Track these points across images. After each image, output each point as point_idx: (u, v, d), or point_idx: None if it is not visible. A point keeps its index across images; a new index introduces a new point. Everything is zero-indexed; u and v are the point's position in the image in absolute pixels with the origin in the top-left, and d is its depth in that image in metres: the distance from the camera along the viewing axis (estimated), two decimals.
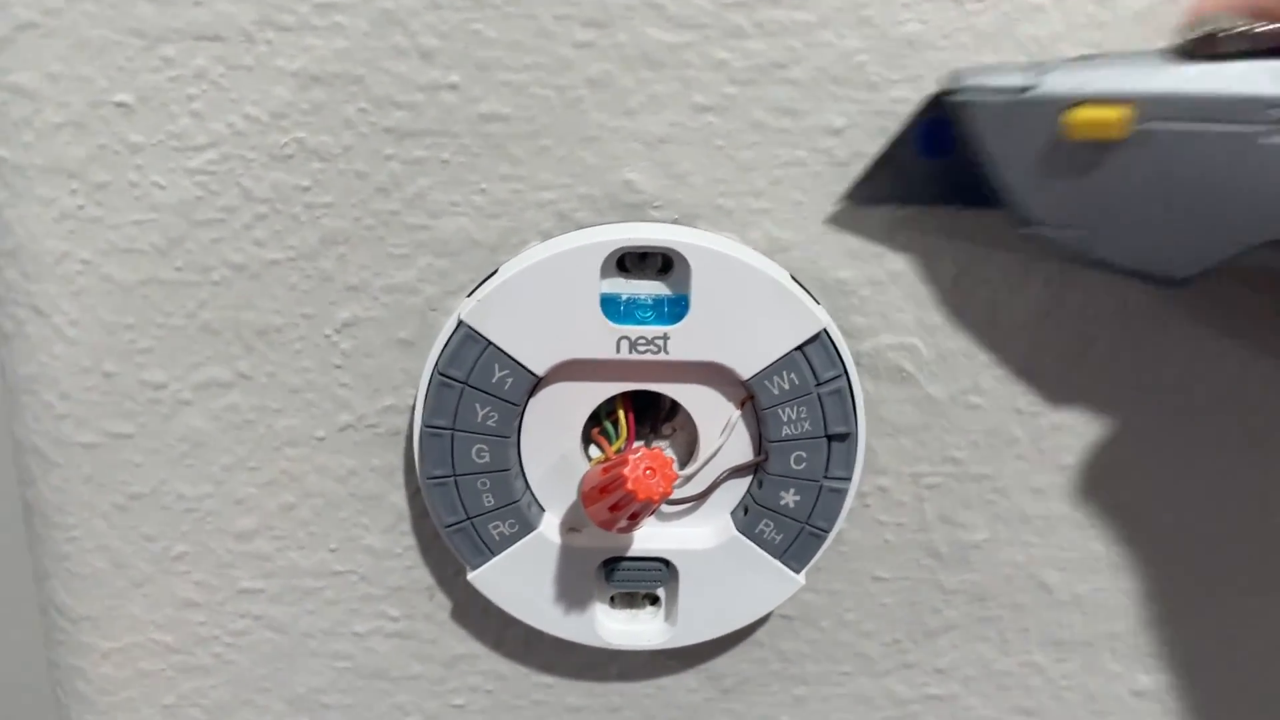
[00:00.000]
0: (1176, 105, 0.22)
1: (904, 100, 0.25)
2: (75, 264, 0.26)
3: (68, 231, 0.26)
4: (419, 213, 0.26)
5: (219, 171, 0.25)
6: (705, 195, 0.26)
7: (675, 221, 0.26)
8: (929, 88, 0.25)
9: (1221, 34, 0.22)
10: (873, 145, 0.25)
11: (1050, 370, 0.27)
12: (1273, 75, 0.21)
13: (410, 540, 0.29)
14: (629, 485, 0.23)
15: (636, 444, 0.27)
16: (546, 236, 0.26)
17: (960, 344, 0.27)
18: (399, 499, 0.28)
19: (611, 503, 0.24)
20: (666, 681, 0.30)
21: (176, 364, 0.27)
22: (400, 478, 0.28)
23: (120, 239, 0.26)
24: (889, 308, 0.27)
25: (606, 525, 0.25)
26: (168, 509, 0.28)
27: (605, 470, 0.24)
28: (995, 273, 0.26)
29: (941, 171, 0.24)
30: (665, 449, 0.28)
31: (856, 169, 0.26)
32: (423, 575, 0.29)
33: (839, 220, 0.26)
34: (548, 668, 0.30)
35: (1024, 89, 0.22)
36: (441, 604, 0.29)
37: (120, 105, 0.25)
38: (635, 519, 0.24)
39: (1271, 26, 0.22)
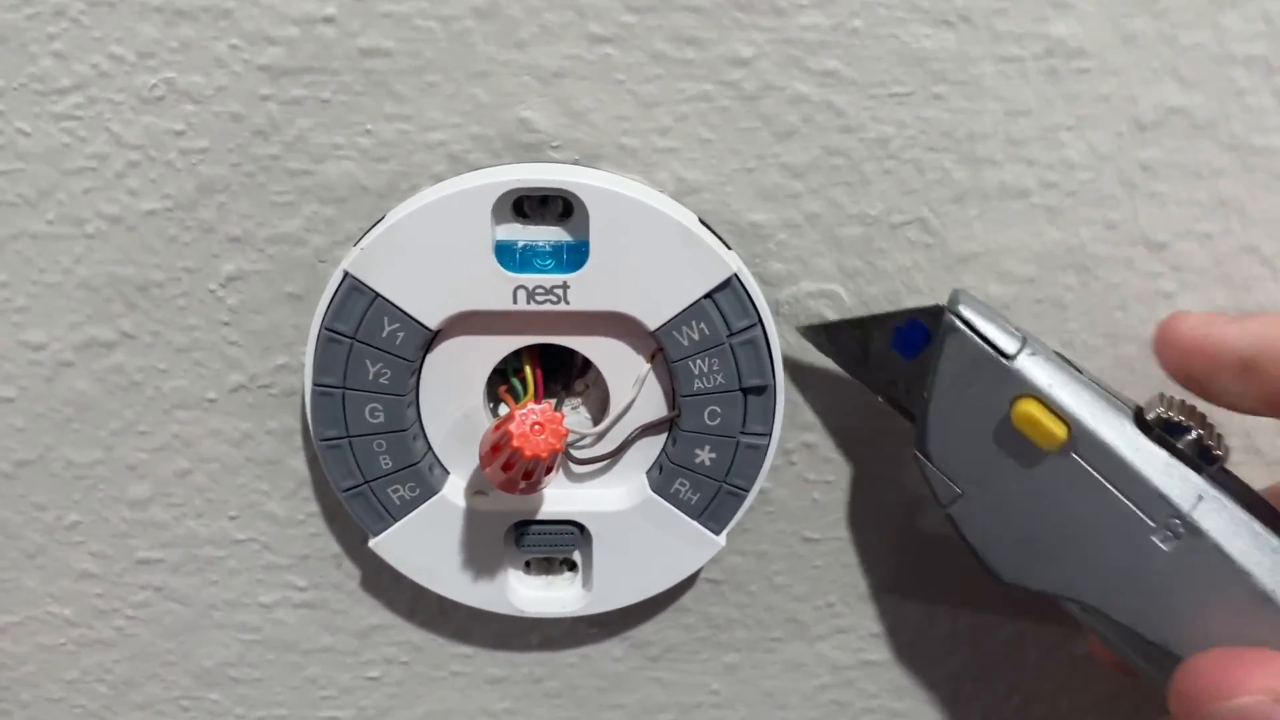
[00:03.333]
0: (1105, 456, 0.22)
1: (813, 27, 0.23)
2: None
3: None
4: (301, 157, 0.24)
5: (86, 116, 0.24)
6: (607, 134, 0.24)
7: (576, 162, 0.24)
8: (839, 14, 0.23)
9: (1160, 416, 0.22)
10: (782, 77, 0.24)
11: None
12: (1185, 485, 0.22)
13: (313, 506, 0.27)
14: (515, 442, 0.22)
15: (546, 402, 0.25)
16: (438, 180, 0.24)
17: (884, 289, 0.25)
18: (298, 463, 0.27)
19: (503, 461, 0.22)
20: (590, 650, 0.29)
21: (55, 323, 0.25)
22: (299, 440, 0.27)
23: None
24: (808, 252, 0.25)
25: (505, 487, 0.23)
26: (56, 476, 0.27)
27: (496, 428, 0.23)
28: None
29: (895, 367, 0.24)
30: (579, 407, 0.27)
31: (767, 104, 0.24)
32: (328, 543, 0.28)
33: (750, 159, 0.24)
34: (464, 637, 0.29)
35: (1006, 355, 0.22)
36: (350, 572, 0.28)
37: None
38: (530, 478, 0.23)
39: (1193, 435, 0.22)
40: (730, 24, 0.23)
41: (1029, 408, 0.22)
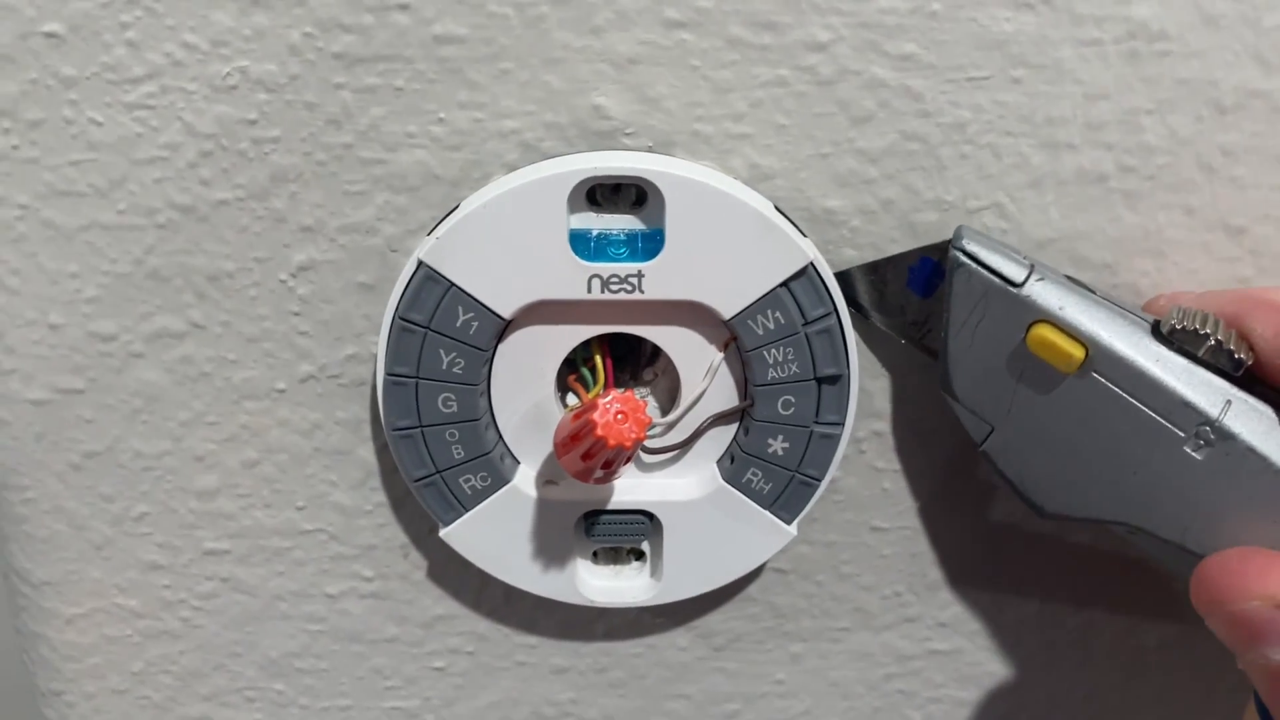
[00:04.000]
0: (1126, 371, 0.22)
1: (892, 10, 0.23)
2: (13, 209, 0.24)
3: (3, 174, 0.24)
4: (374, 146, 0.24)
5: (159, 105, 0.24)
6: (681, 120, 0.24)
7: (650, 150, 0.24)
8: None
9: (1180, 329, 0.22)
10: (859, 62, 0.23)
11: None
12: (1211, 391, 0.22)
13: (381, 496, 0.27)
14: (599, 431, 0.21)
15: (628, 390, 0.25)
16: (511, 169, 0.24)
17: None
18: (367, 453, 0.27)
19: (584, 450, 0.22)
20: (655, 640, 0.29)
21: (126, 314, 0.25)
22: (368, 430, 0.27)
23: (59, 181, 0.24)
24: (882, 239, 0.25)
25: (582, 476, 0.23)
26: (125, 467, 0.27)
27: (576, 417, 0.22)
28: None
29: (914, 307, 0.25)
30: (646, 396, 0.26)
31: (844, 89, 0.24)
32: (396, 533, 0.28)
33: (825, 145, 0.24)
34: (530, 627, 0.29)
35: (1014, 284, 0.23)
36: (417, 563, 0.28)
37: (50, 36, 0.23)
38: (610, 468, 0.22)
39: (1212, 341, 0.22)
40: (807, 8, 0.23)
41: (1044, 332, 0.22)
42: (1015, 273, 0.23)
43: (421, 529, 0.28)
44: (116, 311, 0.25)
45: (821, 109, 0.24)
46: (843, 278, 0.25)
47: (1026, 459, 0.24)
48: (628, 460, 0.23)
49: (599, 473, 0.23)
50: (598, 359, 0.25)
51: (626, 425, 0.21)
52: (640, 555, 0.28)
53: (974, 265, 0.23)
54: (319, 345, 0.26)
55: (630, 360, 0.26)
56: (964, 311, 0.23)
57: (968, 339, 0.23)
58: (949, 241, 0.23)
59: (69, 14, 0.23)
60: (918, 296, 0.24)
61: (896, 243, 0.25)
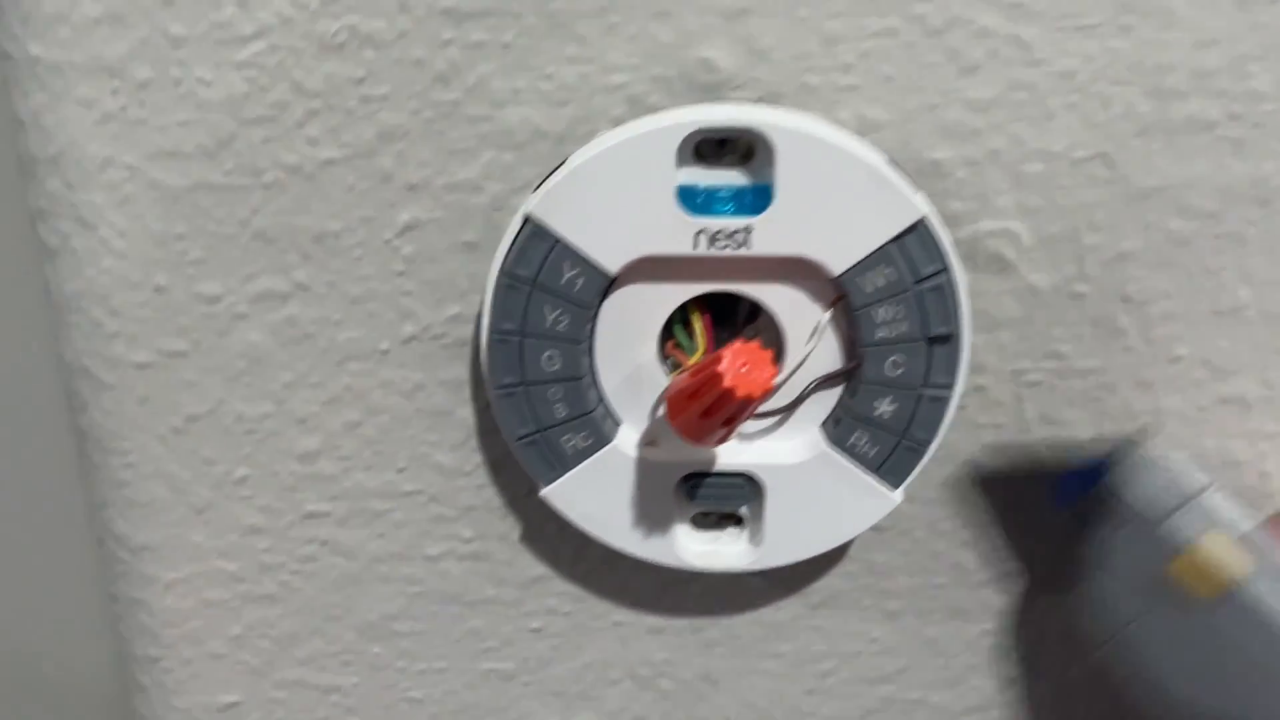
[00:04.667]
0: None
1: None
2: (120, 170, 0.24)
3: (111, 135, 0.24)
4: (481, 103, 0.24)
5: (267, 64, 0.24)
6: (789, 72, 0.24)
7: (758, 102, 0.24)
8: None
9: None
10: (968, 10, 0.23)
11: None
12: None
13: (480, 457, 0.27)
14: (726, 382, 0.21)
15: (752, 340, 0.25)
16: (617, 124, 0.24)
17: (1064, 227, 0.25)
18: (467, 414, 0.27)
19: (705, 407, 0.22)
20: (751, 599, 0.29)
21: (231, 275, 0.25)
22: (468, 391, 0.27)
23: (166, 141, 0.24)
24: (988, 190, 0.25)
25: (696, 435, 0.23)
26: (227, 430, 0.27)
27: (695, 373, 0.22)
28: None
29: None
30: None
31: (953, 38, 0.23)
32: (495, 494, 0.28)
33: (933, 95, 0.24)
34: (626, 587, 0.29)
35: (1178, 508, 0.23)
36: (515, 524, 0.28)
37: None
38: (731, 424, 0.22)
39: None
40: None
41: (1196, 556, 0.23)
42: (1182, 504, 0.23)
43: (520, 490, 0.28)
44: (222, 273, 0.25)
45: (930, 59, 0.24)
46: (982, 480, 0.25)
47: (1147, 668, 0.24)
48: (749, 415, 0.23)
49: (720, 430, 0.22)
50: (695, 320, 0.25)
51: (754, 375, 0.21)
52: (737, 520, 0.28)
53: (1135, 500, 0.23)
54: (422, 305, 0.26)
55: (727, 322, 0.26)
56: (1119, 537, 0.23)
57: (1116, 556, 0.24)
58: (1106, 460, 0.24)
59: None
60: (1062, 505, 0.24)
61: (1003, 194, 0.25)
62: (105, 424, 0.27)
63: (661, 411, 0.26)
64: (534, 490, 0.27)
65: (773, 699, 0.30)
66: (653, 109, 0.24)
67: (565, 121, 0.24)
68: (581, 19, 0.23)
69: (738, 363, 0.21)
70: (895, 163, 0.24)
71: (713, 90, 0.24)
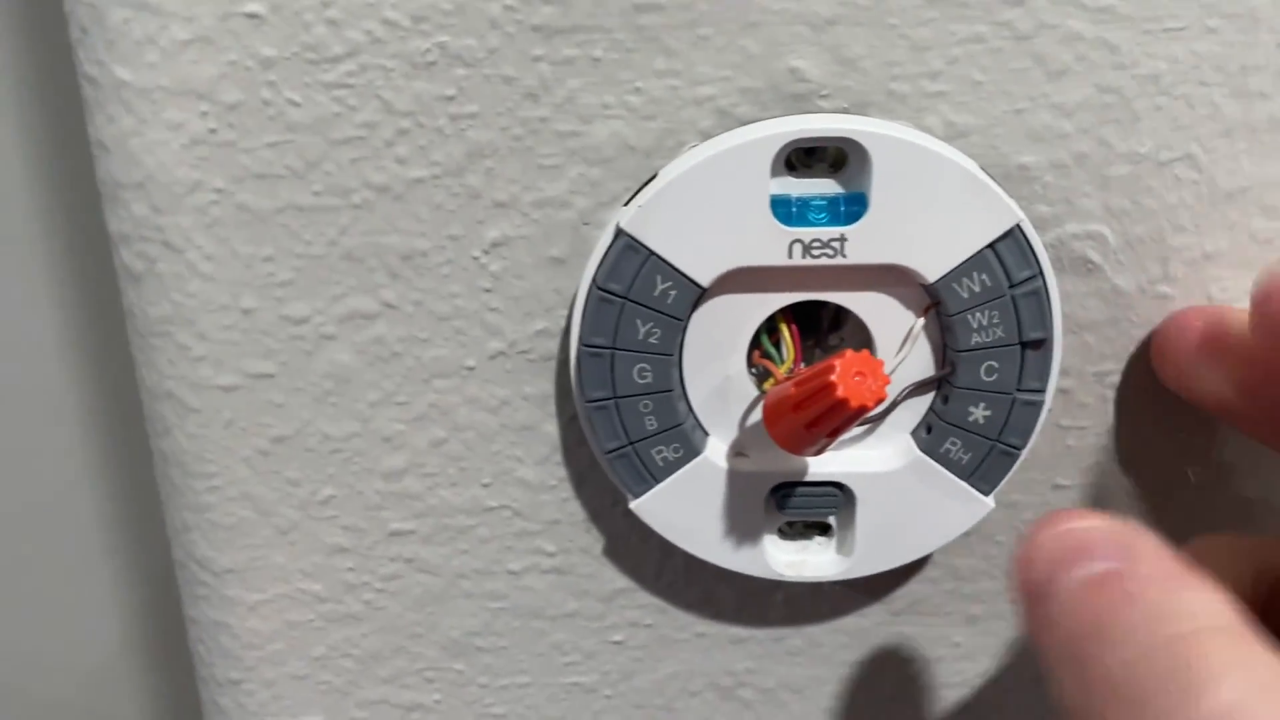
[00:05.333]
0: None
1: None
2: (208, 193, 0.24)
3: (199, 158, 0.24)
4: (570, 118, 0.24)
5: (357, 84, 0.24)
6: (877, 80, 0.24)
7: (845, 110, 0.24)
8: None
9: None
10: (1056, 15, 0.23)
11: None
12: None
13: (565, 471, 0.27)
14: (840, 392, 0.21)
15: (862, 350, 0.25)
16: (705, 136, 0.24)
17: (1149, 229, 0.25)
18: (552, 428, 0.27)
19: (813, 417, 0.22)
20: (834, 606, 0.29)
21: (318, 296, 0.25)
22: (553, 405, 0.27)
23: (255, 164, 0.24)
24: (1074, 193, 0.25)
25: (797, 445, 0.23)
26: (312, 451, 0.27)
27: (800, 383, 0.22)
28: None
29: None
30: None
31: (1041, 43, 0.24)
32: (579, 507, 0.28)
33: (1021, 100, 0.24)
34: (709, 598, 0.29)
35: None
36: (599, 536, 0.28)
37: (251, 16, 0.23)
38: (836, 434, 0.22)
39: None
40: None
41: None
42: None
43: (604, 502, 0.28)
44: (309, 294, 0.25)
45: (1018, 64, 0.24)
46: None
47: None
48: (855, 424, 0.23)
49: (823, 440, 0.22)
50: (784, 330, 0.25)
51: (867, 385, 0.21)
52: (824, 529, 0.28)
53: None
54: (509, 321, 0.26)
55: (811, 328, 0.26)
56: None
57: None
58: None
59: None
60: None
61: (1089, 197, 0.25)
62: (190, 447, 0.27)
63: (753, 421, 0.26)
64: (618, 503, 0.27)
65: (854, 706, 0.30)
66: (741, 120, 0.24)
67: (653, 135, 0.24)
68: (671, 32, 0.23)
69: (850, 372, 0.21)
70: (986, 169, 0.24)
71: (801, 100, 0.24)
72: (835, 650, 0.29)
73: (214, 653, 0.29)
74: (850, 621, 0.29)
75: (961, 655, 0.30)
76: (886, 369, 0.25)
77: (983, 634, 0.29)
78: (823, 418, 0.22)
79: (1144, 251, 0.25)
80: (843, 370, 0.21)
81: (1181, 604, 0.18)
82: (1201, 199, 0.25)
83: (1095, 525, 0.20)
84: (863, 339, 0.25)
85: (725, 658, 0.29)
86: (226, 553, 0.28)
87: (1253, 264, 0.25)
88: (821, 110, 0.24)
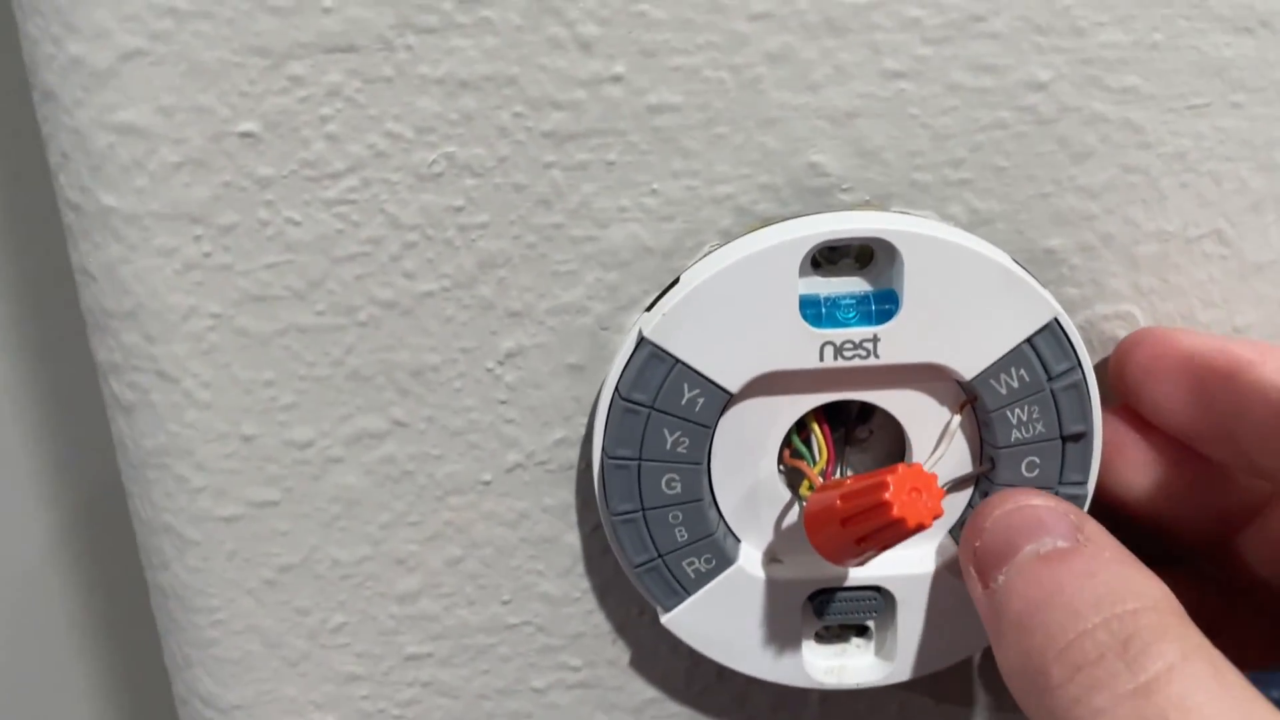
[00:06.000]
0: None
1: (1112, 45, 0.22)
2: (204, 319, 0.23)
3: (194, 284, 0.23)
4: (585, 223, 0.23)
5: (360, 200, 0.22)
6: (899, 171, 0.23)
7: (867, 203, 0.23)
8: (1139, 30, 0.22)
9: None
10: (1079, 98, 0.23)
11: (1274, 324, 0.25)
12: None
13: (588, 583, 0.26)
14: (896, 512, 0.20)
15: (914, 464, 0.24)
16: (725, 235, 0.23)
17: (1178, 305, 0.25)
18: (574, 539, 0.26)
19: (863, 534, 0.21)
20: (871, 700, 0.28)
21: (324, 418, 0.24)
22: (574, 516, 0.25)
23: (253, 286, 0.23)
24: (1102, 274, 0.24)
25: (840, 558, 0.22)
26: (321, 578, 0.25)
27: (849, 498, 0.21)
28: None
29: None
30: (864, 459, 0.25)
31: (1064, 126, 0.23)
32: (604, 619, 0.26)
33: (1046, 184, 0.23)
34: (743, 702, 0.28)
35: None
36: (626, 648, 0.27)
37: (245, 135, 0.22)
38: (886, 549, 0.21)
39: None
40: (1029, 48, 0.22)
41: None
42: None
43: (630, 612, 0.26)
44: (314, 416, 0.24)
45: (1042, 148, 0.23)
46: None
47: None
48: None
49: (869, 553, 0.21)
50: (816, 430, 0.24)
51: (924, 502, 0.20)
52: (861, 630, 0.26)
53: None
54: (526, 432, 0.25)
55: (839, 419, 0.25)
56: None
57: None
58: None
59: (266, 111, 0.22)
60: None
61: (1117, 277, 0.24)
62: (190, 582, 0.25)
63: (787, 525, 0.25)
64: (645, 611, 0.26)
65: None
66: (761, 217, 0.23)
67: (672, 236, 0.23)
68: (687, 132, 0.22)
69: (904, 489, 0.20)
70: (1019, 261, 0.23)
71: (822, 194, 0.23)
72: None
73: None
74: (890, 715, 0.28)
75: None
76: (926, 467, 0.24)
77: None
78: (876, 535, 0.21)
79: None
80: (897, 488, 0.20)
81: (1134, 584, 0.20)
82: (1230, 274, 0.25)
83: (1047, 504, 0.22)
84: (894, 433, 0.25)
85: None
86: (234, 688, 0.26)
87: None
88: (844, 204, 0.23)
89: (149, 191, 0.22)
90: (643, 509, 0.24)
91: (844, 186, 0.23)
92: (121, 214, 0.22)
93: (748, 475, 0.24)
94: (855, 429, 0.26)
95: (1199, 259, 0.24)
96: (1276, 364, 0.22)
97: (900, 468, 0.20)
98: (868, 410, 0.25)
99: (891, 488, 0.20)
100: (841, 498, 0.21)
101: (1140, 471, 0.24)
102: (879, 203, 0.23)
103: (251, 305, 0.23)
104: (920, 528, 0.20)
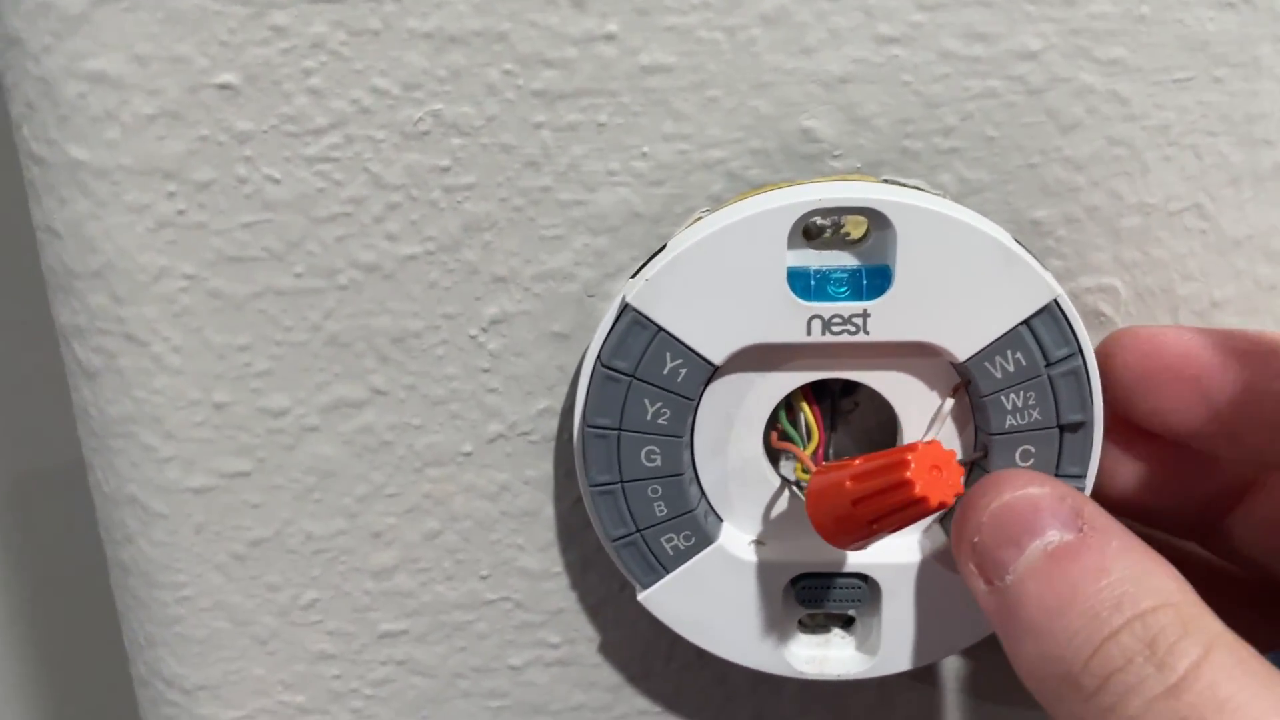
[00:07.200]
0: None
1: (1102, 15, 0.23)
2: (177, 280, 0.22)
3: (166, 242, 0.22)
4: (574, 186, 0.22)
5: (343, 158, 0.22)
6: (890, 138, 0.23)
7: (859, 170, 0.23)
8: (1127, 1, 0.22)
9: None
10: (1069, 69, 0.23)
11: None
12: None
13: (569, 557, 0.26)
14: (919, 490, 0.19)
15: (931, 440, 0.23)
16: (715, 200, 0.23)
17: (1159, 279, 0.25)
18: (555, 512, 0.25)
19: (878, 514, 0.20)
20: (851, 686, 0.28)
21: (300, 385, 0.23)
22: (555, 488, 0.25)
23: (229, 246, 0.22)
24: (1086, 247, 0.24)
25: (846, 540, 0.21)
26: (294, 552, 0.25)
27: (861, 478, 0.20)
28: None
29: None
30: (845, 437, 0.25)
31: (1053, 97, 0.23)
32: (584, 594, 0.26)
33: (1034, 154, 0.23)
34: (723, 680, 0.27)
35: None
36: (604, 624, 0.26)
37: (224, 88, 0.21)
38: (900, 529, 0.21)
39: None
40: (1020, 17, 0.22)
41: None
42: None
43: (612, 588, 0.26)
44: (290, 384, 0.23)
45: (1030, 118, 0.23)
46: None
47: None
48: None
49: (879, 535, 0.21)
50: (805, 410, 0.24)
51: (945, 479, 0.20)
52: (845, 621, 0.26)
53: None
54: (509, 402, 0.24)
55: (823, 395, 0.25)
56: None
57: None
58: None
59: (246, 62, 0.21)
60: None
61: (1101, 250, 0.24)
62: (155, 556, 0.24)
63: (775, 509, 0.24)
64: (626, 587, 0.26)
65: None
66: (752, 183, 0.23)
67: (661, 201, 0.23)
68: (680, 94, 0.22)
69: (925, 467, 0.20)
70: (1020, 240, 0.23)
71: (813, 160, 0.23)
72: (863, 715, 0.28)
73: None
74: (868, 697, 0.28)
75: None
76: None
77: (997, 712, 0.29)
78: (892, 515, 0.20)
79: (1154, 302, 0.25)
80: (918, 466, 0.19)
81: (1149, 579, 0.19)
82: (1209, 247, 0.25)
83: (1043, 490, 0.21)
84: (878, 409, 0.24)
85: None
86: (199, 668, 0.25)
87: (1259, 311, 0.25)
88: (835, 171, 0.23)
89: (120, 144, 0.21)
90: (621, 481, 0.23)
91: (835, 153, 0.23)
92: (91, 168, 0.21)
93: (731, 453, 0.24)
94: (841, 402, 0.25)
95: (1180, 233, 0.25)
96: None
97: (919, 445, 0.20)
98: (851, 386, 0.25)
99: (913, 465, 0.19)
100: (853, 478, 0.21)
101: (1121, 461, 0.24)
102: (869, 172, 0.23)
103: (227, 266, 0.22)
104: (942, 506, 0.20)
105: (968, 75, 0.23)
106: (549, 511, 0.25)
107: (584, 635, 0.26)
